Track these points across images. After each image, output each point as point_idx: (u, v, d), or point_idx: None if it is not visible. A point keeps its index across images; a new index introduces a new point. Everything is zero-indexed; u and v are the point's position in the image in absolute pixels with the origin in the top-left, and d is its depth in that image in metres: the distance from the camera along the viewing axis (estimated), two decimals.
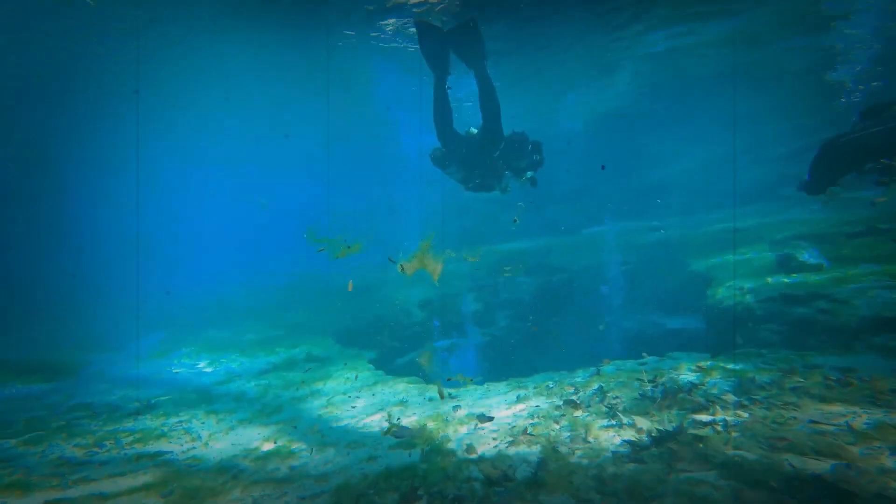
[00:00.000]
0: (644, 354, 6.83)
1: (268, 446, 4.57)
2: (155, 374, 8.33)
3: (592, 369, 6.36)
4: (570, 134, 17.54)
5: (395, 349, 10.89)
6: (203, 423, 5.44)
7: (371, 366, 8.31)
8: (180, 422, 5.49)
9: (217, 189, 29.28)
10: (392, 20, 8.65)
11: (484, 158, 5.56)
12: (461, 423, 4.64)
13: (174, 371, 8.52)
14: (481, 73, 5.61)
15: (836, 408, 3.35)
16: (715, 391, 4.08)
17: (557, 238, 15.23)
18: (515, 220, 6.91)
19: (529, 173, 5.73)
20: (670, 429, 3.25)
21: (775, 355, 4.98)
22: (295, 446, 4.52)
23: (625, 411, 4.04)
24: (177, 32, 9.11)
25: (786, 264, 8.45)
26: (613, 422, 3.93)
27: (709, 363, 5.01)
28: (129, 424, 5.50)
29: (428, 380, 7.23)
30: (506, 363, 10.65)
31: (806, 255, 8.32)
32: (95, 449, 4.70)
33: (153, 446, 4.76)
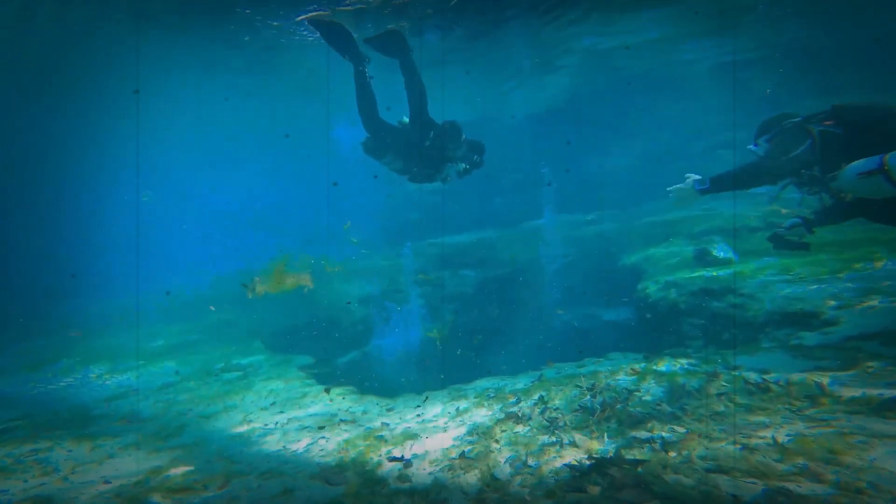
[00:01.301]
0: (579, 352, 6.90)
1: (156, 479, 3.79)
2: (17, 392, 6.86)
3: (534, 373, 6.26)
4: (514, 126, 17.60)
5: (331, 353, 10.16)
6: (70, 451, 4.43)
7: (302, 374, 7.57)
8: (35, 450, 4.42)
9: (151, 186, 26.11)
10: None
11: (416, 148, 5.46)
12: (396, 442, 4.22)
13: (46, 387, 7.10)
14: (404, 63, 5.54)
15: (760, 417, 3.44)
16: (649, 398, 4.07)
17: (501, 230, 15.25)
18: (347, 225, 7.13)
19: (462, 166, 5.68)
20: (610, 453, 3.11)
21: (699, 355, 5.19)
22: (192, 478, 3.80)
23: (565, 427, 3.88)
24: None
25: (702, 258, 9.02)
26: (554, 438, 3.74)
27: (642, 366, 5.07)
28: None
29: (363, 390, 6.71)
30: (447, 364, 10.42)
31: (718, 250, 8.97)
32: None
33: None
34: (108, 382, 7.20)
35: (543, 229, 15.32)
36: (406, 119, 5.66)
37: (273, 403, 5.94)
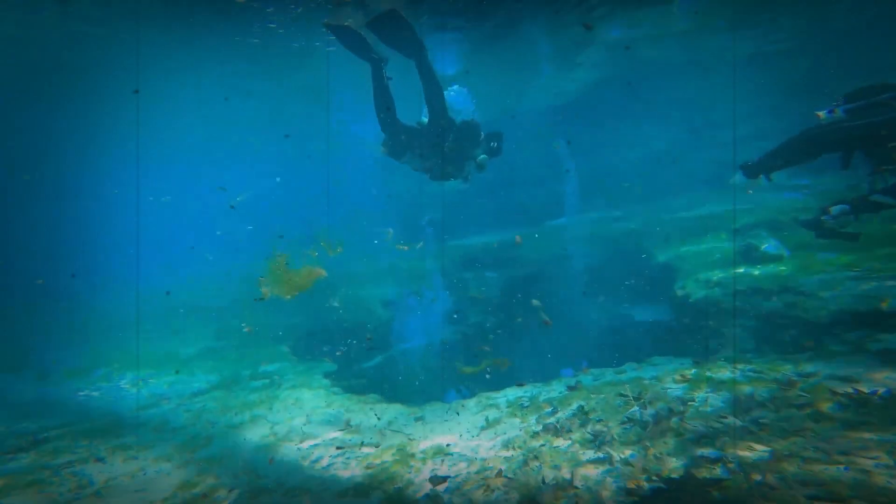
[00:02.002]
0: (617, 357, 6.47)
1: (184, 495, 3.68)
2: (59, 399, 7.02)
3: (569, 379, 5.89)
4: (534, 119, 17.15)
5: (355, 358, 10.05)
6: (104, 462, 4.41)
7: (327, 381, 7.45)
8: (71, 462, 4.42)
9: (171, 186, 26.91)
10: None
11: (435, 147, 5.49)
12: (425, 458, 3.97)
13: (84, 394, 7.24)
14: (419, 63, 5.49)
15: (864, 434, 2.93)
16: (708, 409, 3.66)
17: (524, 229, 14.84)
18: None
19: (482, 156, 5.65)
20: (675, 474, 2.74)
21: (760, 360, 4.69)
22: (219, 493, 3.67)
23: (613, 441, 3.52)
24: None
25: (748, 255, 8.39)
26: (601, 454, 3.40)
27: (692, 371, 4.64)
28: None
29: (389, 398, 6.51)
30: (475, 365, 10.11)
31: (766, 245, 8.31)
32: None
33: (17, 498, 3.72)
34: (142, 391, 7.30)
35: (568, 227, 14.81)
36: (425, 119, 5.64)
37: (299, 413, 5.81)
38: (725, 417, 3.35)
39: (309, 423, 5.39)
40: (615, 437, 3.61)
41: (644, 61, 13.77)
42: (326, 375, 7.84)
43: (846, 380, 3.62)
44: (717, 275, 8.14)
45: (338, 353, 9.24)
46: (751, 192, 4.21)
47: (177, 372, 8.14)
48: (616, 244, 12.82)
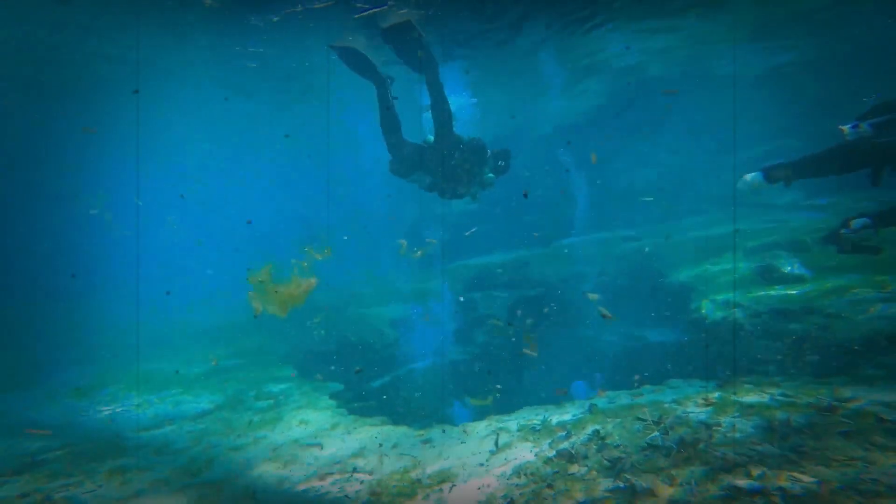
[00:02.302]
0: (636, 378, 6.18)
1: None
2: (63, 419, 6.94)
3: (582, 401, 5.63)
4: (543, 140, 17.29)
5: (363, 378, 9.85)
6: (99, 486, 4.27)
7: (333, 402, 7.26)
8: (66, 485, 4.28)
9: (182, 201, 27.28)
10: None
11: (441, 165, 5.47)
12: (432, 483, 3.76)
13: (87, 415, 7.15)
14: (430, 79, 5.53)
15: None
16: (737, 435, 3.40)
17: (534, 250, 14.71)
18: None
19: (490, 175, 5.66)
20: None
21: (791, 384, 4.41)
22: None
23: (633, 469, 3.29)
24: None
25: (767, 275, 8.13)
26: (620, 484, 3.16)
27: (716, 395, 4.37)
28: None
29: (396, 420, 6.29)
30: (483, 390, 9.82)
31: (786, 265, 8.03)
32: None
33: None
34: (146, 411, 7.20)
35: (578, 247, 14.64)
36: (431, 137, 5.64)
37: (304, 435, 5.63)
38: (758, 444, 3.10)
39: (313, 446, 5.20)
40: (635, 463, 3.37)
41: (652, 80, 13.90)
42: (332, 396, 7.66)
43: (892, 406, 3.35)
44: (736, 295, 7.87)
45: (356, 371, 9.06)
46: (755, 191, 4.04)
47: (177, 372, 8.00)
48: (629, 263, 12.60)
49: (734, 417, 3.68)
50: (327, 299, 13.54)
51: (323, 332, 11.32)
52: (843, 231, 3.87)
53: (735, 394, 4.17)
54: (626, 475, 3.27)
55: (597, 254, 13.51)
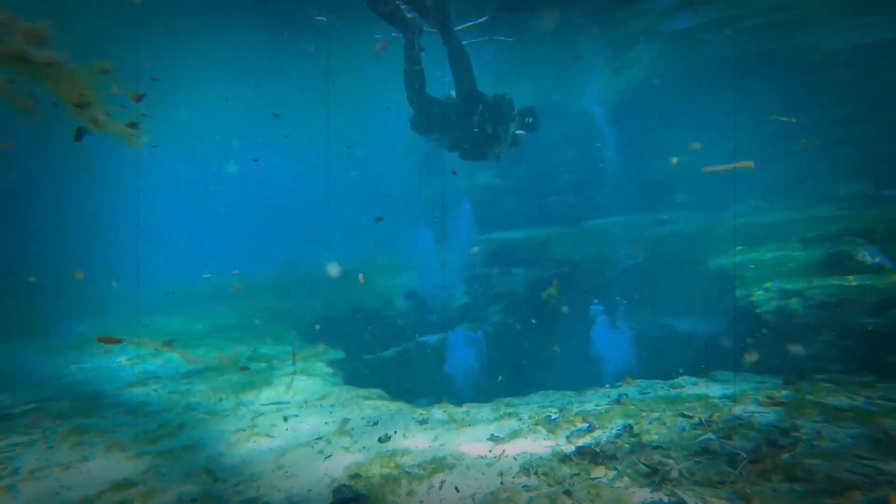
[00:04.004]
0: (680, 371, 5.28)
1: (113, 496, 2.97)
2: (50, 372, 6.67)
3: (605, 389, 4.82)
4: (585, 117, 15.99)
5: (368, 347, 9.32)
6: (50, 447, 3.81)
7: (329, 370, 6.72)
8: (16, 445, 3.84)
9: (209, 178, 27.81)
10: None
11: (463, 123, 5.07)
12: (421, 474, 3.07)
13: (75, 367, 6.88)
14: (444, 31, 5.09)
15: None
16: (827, 444, 2.53)
17: (557, 229, 13.70)
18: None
19: (519, 132, 5.23)
20: None
21: (888, 385, 3.45)
22: (156, 499, 2.93)
23: (682, 479, 2.48)
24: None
25: (839, 264, 6.99)
26: (664, 498, 2.37)
27: (784, 393, 3.47)
28: None
29: (394, 394, 5.67)
30: (495, 370, 9.14)
31: (865, 254, 6.86)
32: None
33: None
34: (135, 367, 6.87)
35: (606, 228, 13.53)
36: (453, 93, 5.20)
37: (289, 403, 5.07)
38: (867, 459, 2.23)
39: (294, 416, 4.63)
40: (684, 472, 2.56)
41: (707, 59, 12.34)
42: (330, 364, 7.12)
43: None
44: (794, 284, 6.80)
45: (366, 337, 8.52)
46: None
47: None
48: (662, 248, 11.50)
49: (817, 422, 2.78)
50: (345, 267, 13.10)
51: (331, 298, 10.88)
52: None
53: (812, 393, 3.25)
54: (671, 487, 2.46)
55: (625, 236, 12.45)
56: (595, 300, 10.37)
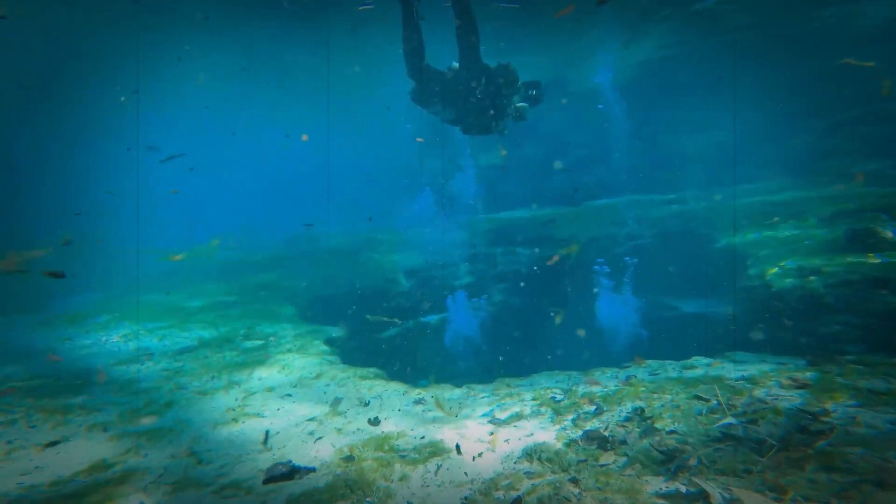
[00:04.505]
0: (680, 349, 5.06)
1: (88, 477, 2.81)
2: (44, 347, 6.54)
3: (612, 370, 4.59)
4: (595, 94, 15.35)
5: (368, 327, 9.15)
6: (32, 426, 3.66)
7: (325, 348, 6.53)
8: None
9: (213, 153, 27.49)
10: None
11: (465, 95, 4.83)
12: (416, 459, 2.87)
13: (72, 343, 6.74)
14: (462, 3, 4.73)
15: None
16: (861, 429, 2.29)
17: (562, 209, 13.32)
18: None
19: (523, 105, 4.97)
20: None
21: None
22: (135, 480, 2.76)
23: (701, 468, 2.25)
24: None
25: (861, 241, 6.63)
26: (681, 487, 2.14)
27: (809, 375, 3.21)
28: None
29: (391, 374, 5.49)
30: (494, 349, 8.97)
31: (891, 230, 6.49)
32: None
33: None
34: (128, 343, 6.73)
35: (612, 207, 13.14)
36: (455, 64, 4.91)
37: (283, 382, 4.90)
38: None
39: (287, 396, 4.45)
40: (703, 460, 2.32)
41: (725, 35, 11.58)
42: (328, 342, 6.94)
43: None
44: (813, 262, 6.48)
45: (370, 318, 8.32)
46: None
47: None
48: (667, 227, 11.13)
49: (851, 407, 2.53)
50: (341, 243, 12.88)
51: (331, 274, 10.68)
52: None
53: (842, 375, 2.99)
54: (688, 475, 2.23)
55: (632, 215, 12.06)
56: (600, 259, 10.07)
